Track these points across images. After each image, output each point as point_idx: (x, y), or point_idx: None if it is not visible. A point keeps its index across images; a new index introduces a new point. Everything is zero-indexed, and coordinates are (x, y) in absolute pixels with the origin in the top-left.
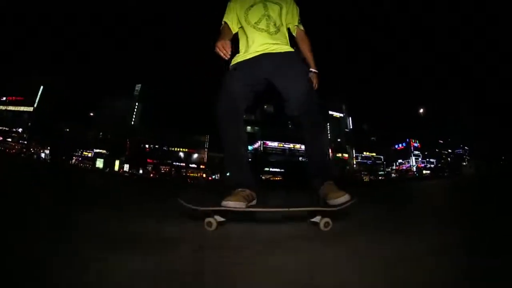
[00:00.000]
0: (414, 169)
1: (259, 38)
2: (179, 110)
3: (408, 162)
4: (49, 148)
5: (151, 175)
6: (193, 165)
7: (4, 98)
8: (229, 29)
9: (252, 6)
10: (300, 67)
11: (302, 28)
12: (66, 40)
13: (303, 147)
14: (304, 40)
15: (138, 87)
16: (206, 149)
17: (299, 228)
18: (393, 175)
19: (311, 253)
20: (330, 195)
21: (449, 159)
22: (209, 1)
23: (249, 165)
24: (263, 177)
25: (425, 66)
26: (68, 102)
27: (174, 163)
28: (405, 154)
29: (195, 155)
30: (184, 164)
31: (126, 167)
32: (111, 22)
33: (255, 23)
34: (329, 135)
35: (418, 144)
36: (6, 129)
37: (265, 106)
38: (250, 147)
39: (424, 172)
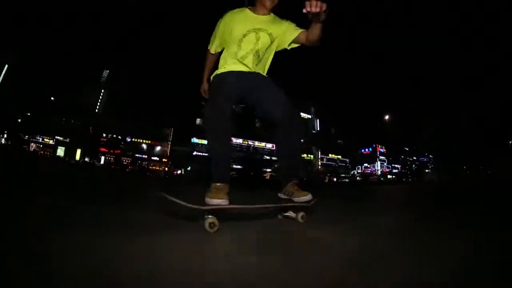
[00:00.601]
0: (379, 173)
1: (241, 67)
2: (146, 100)
3: (374, 167)
4: (6, 132)
5: (112, 166)
6: (155, 158)
7: None
8: (214, 56)
9: (245, 36)
10: (276, 85)
11: (303, 30)
12: (32, 20)
13: (268, 145)
14: (306, 33)
15: (105, 73)
16: (169, 143)
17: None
18: (358, 178)
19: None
20: (296, 194)
21: (414, 165)
22: None
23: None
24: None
25: (397, 73)
26: (30, 83)
27: (136, 155)
28: (371, 158)
29: (158, 148)
30: (146, 156)
31: (87, 156)
32: (83, 5)
33: (241, 57)
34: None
35: (384, 150)
36: None
37: (233, 106)
38: None
39: (389, 176)
